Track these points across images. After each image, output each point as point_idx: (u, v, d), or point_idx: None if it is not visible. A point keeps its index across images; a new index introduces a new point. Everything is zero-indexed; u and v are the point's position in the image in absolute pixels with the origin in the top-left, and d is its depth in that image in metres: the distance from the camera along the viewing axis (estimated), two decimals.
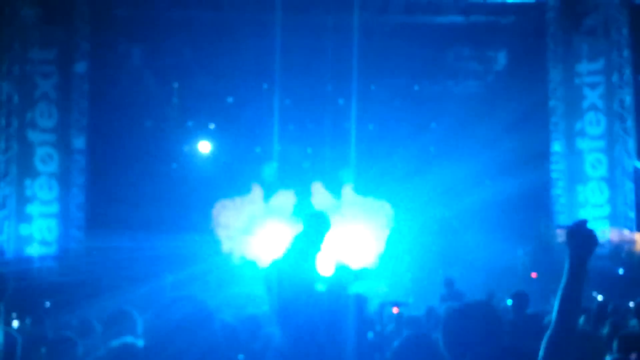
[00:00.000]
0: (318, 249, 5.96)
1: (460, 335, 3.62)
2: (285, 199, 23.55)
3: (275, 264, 5.69)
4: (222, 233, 23.34)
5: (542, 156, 21.50)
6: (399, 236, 23.04)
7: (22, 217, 20.27)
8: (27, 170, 20.36)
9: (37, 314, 13.42)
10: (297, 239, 4.97)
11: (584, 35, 20.91)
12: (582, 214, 20.79)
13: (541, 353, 3.31)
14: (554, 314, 3.37)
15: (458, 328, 3.66)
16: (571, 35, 21.04)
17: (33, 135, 20.47)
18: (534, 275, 21.42)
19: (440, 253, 22.34)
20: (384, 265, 22.45)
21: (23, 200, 20.30)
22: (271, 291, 4.29)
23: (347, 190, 23.55)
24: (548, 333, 3.33)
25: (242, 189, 23.55)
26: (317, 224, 6.28)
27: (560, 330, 3.32)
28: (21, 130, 20.37)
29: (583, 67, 21.01)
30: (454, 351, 3.59)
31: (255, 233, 23.17)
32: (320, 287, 5.73)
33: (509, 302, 10.93)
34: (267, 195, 23.57)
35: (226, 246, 23.23)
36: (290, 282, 5.32)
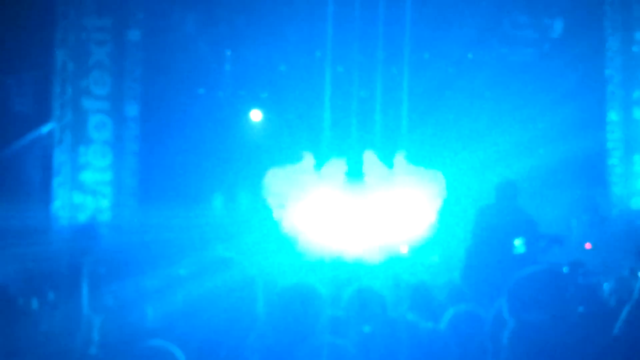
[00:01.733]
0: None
1: (525, 301, 3.62)
2: (337, 167, 23.54)
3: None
4: (273, 202, 23.43)
5: (598, 125, 21.23)
6: (451, 206, 22.92)
7: (76, 184, 20.51)
8: (81, 137, 20.57)
9: (93, 281, 13.67)
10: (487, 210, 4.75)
11: None
12: (639, 184, 20.56)
13: (621, 321, 3.37)
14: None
15: (524, 293, 3.66)
16: (629, 2, 20.68)
17: (87, 103, 20.65)
18: (588, 246, 21.21)
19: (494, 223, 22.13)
20: (436, 236, 22.38)
21: (77, 167, 20.53)
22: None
23: (400, 159, 23.45)
24: (632, 302, 3.38)
25: (293, 158, 23.59)
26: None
27: None
28: (75, 97, 20.55)
29: None
30: (519, 317, 3.60)
31: (307, 201, 23.22)
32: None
33: (565, 269, 10.79)
34: (319, 164, 23.58)
35: (277, 215, 23.32)
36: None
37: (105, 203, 20.69)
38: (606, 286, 11.22)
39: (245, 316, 3.01)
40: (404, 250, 21.99)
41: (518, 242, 9.41)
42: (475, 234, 8.48)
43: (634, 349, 3.18)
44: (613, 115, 21.04)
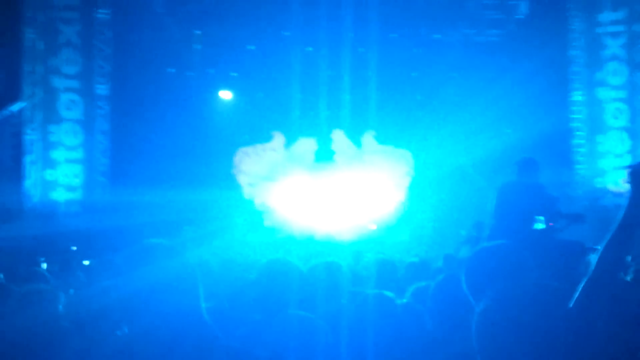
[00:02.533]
0: None
1: (481, 274, 3.61)
2: (306, 146, 23.74)
3: None
4: (243, 180, 23.60)
5: (563, 106, 21.48)
6: (419, 185, 23.22)
7: (48, 163, 20.56)
8: (51, 116, 20.61)
9: (64, 258, 13.78)
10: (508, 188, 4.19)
11: None
12: (603, 164, 20.86)
13: (576, 297, 3.24)
14: (597, 258, 3.26)
15: (480, 267, 3.65)
16: None
17: (57, 82, 20.66)
18: (551, 224, 21.54)
19: (460, 202, 22.48)
20: (404, 215, 22.69)
21: (48, 145, 20.57)
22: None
23: (368, 139, 23.69)
24: (588, 277, 3.24)
25: (263, 137, 23.74)
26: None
27: (604, 275, 3.22)
28: (45, 76, 20.57)
29: (605, 16, 20.85)
30: (475, 290, 3.59)
31: (277, 180, 23.41)
32: None
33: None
34: (288, 143, 23.76)
35: (247, 193, 23.50)
36: None
37: (76, 181, 20.74)
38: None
39: (185, 307, 3.06)
40: (373, 228, 22.28)
41: (539, 219, 9.57)
42: (497, 211, 8.58)
43: (587, 325, 3.20)
44: (577, 96, 21.30)
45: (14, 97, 20.60)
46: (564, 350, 3.21)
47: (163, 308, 3.11)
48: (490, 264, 3.63)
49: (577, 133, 21.32)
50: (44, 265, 13.08)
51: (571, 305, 3.24)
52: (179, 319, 3.13)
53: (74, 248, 17.94)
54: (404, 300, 5.42)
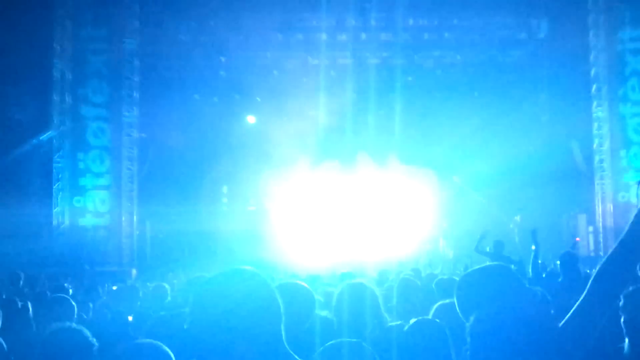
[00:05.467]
0: None
1: (470, 297, 3.60)
2: (331, 168, 23.87)
3: None
4: (269, 203, 23.78)
5: (585, 122, 21.54)
6: (442, 203, 23.26)
7: (76, 190, 20.87)
8: (80, 144, 20.95)
9: (90, 282, 14.02)
10: None
11: (626, 2, 20.85)
12: (626, 178, 20.86)
13: (568, 316, 3.17)
14: (593, 275, 3.16)
15: (468, 289, 3.66)
16: (613, 2, 20.99)
17: (85, 110, 21.03)
18: (578, 239, 21.57)
19: (484, 220, 22.51)
20: (427, 233, 22.73)
21: (77, 173, 20.89)
22: None
23: (392, 159, 23.79)
24: (582, 299, 3.15)
25: (289, 160, 23.90)
26: None
27: (600, 292, 3.13)
28: (74, 105, 20.93)
29: (626, 33, 20.94)
30: (465, 310, 3.57)
31: (302, 202, 23.56)
32: None
33: (558, 263, 10.97)
34: (314, 165, 23.90)
35: (274, 215, 23.66)
36: None
37: (103, 207, 21.04)
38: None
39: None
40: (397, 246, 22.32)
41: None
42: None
43: (575, 346, 3.14)
44: (599, 112, 21.36)
45: (43, 126, 21.01)
46: None
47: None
48: (479, 285, 3.63)
49: (600, 149, 21.34)
50: (70, 291, 13.32)
51: (562, 324, 3.21)
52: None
53: (87, 267, 18.18)
54: (428, 318, 5.37)
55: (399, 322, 5.37)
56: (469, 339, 3.32)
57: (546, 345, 3.16)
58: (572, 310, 3.20)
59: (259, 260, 19.50)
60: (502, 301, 3.48)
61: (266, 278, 3.05)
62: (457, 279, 9.75)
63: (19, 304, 8.16)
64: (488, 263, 4.06)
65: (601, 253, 20.49)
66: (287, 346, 3.07)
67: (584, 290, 3.21)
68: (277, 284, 5.48)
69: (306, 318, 4.81)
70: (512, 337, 3.18)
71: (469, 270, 3.93)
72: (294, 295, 4.75)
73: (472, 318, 3.34)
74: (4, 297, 9.37)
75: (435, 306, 5.77)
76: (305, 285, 5.04)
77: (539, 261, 11.42)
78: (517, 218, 23.02)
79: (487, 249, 12.90)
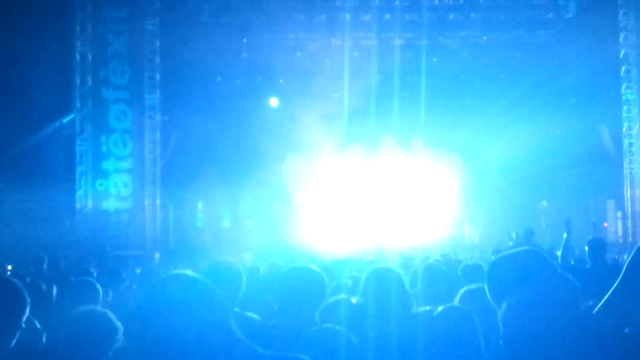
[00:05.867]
0: None
1: (501, 282, 3.50)
2: (355, 151, 23.72)
3: None
4: (293, 186, 23.67)
5: (614, 105, 21.21)
6: (469, 188, 23.07)
7: (98, 173, 20.78)
8: (102, 127, 20.82)
9: (113, 265, 13.94)
10: None
11: None
12: None
13: (602, 302, 3.14)
14: (627, 262, 3.15)
15: (499, 275, 3.55)
16: None
17: (107, 93, 20.88)
18: (606, 225, 21.33)
19: (512, 205, 22.31)
20: (454, 218, 22.57)
21: (99, 156, 20.79)
22: None
23: (417, 143, 23.61)
24: (617, 283, 3.13)
25: (312, 143, 23.77)
26: None
27: (634, 279, 3.10)
28: (95, 88, 20.80)
29: None
30: (496, 296, 3.48)
31: (326, 186, 23.44)
32: None
33: (586, 249, 10.83)
34: (337, 148, 23.77)
35: (297, 199, 23.56)
36: None
37: (126, 191, 20.95)
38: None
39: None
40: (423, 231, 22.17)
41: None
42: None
43: (610, 331, 3.07)
44: (629, 94, 21.01)
45: (65, 109, 20.92)
46: (587, 354, 3.09)
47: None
48: (511, 270, 3.53)
49: (629, 132, 21.00)
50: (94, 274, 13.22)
51: (596, 310, 3.15)
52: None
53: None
54: (456, 304, 5.35)
55: (427, 308, 5.25)
56: (501, 325, 3.27)
57: (580, 331, 3.12)
58: (606, 297, 3.15)
59: (282, 246, 19.47)
60: (535, 286, 3.38)
61: (205, 281, 3.05)
62: (484, 264, 9.61)
63: (44, 287, 8.07)
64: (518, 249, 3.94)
65: (629, 239, 20.23)
66: (241, 336, 3.05)
67: (611, 277, 3.21)
68: (287, 269, 5.47)
69: (317, 301, 4.83)
70: (546, 323, 3.15)
71: (500, 255, 3.77)
72: (303, 280, 4.84)
73: (504, 304, 3.30)
74: (28, 280, 9.29)
75: (461, 292, 5.73)
76: (316, 269, 5.05)
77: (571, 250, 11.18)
78: (544, 203, 22.78)
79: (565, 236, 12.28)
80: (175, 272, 3.25)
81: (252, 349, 3.06)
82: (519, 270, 3.52)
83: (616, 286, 3.14)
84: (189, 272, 3.12)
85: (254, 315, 5.02)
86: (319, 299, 4.87)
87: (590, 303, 3.36)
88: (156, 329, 2.91)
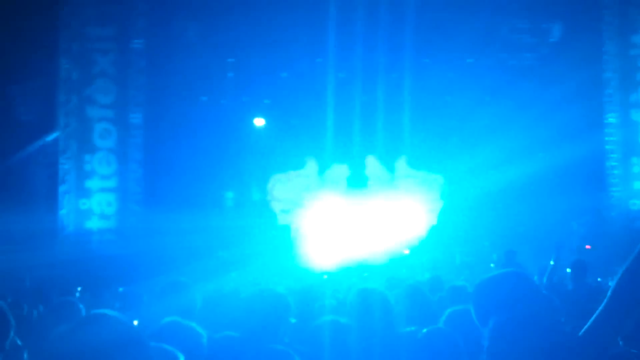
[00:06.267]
0: None
1: (487, 304, 3.53)
2: (340, 172, 23.76)
3: None
4: (277, 207, 23.66)
5: (597, 128, 21.36)
6: (451, 209, 23.11)
7: (82, 192, 20.72)
8: (86, 145, 20.80)
9: (95, 287, 13.88)
10: None
11: None
12: (638, 185, 20.69)
13: (588, 325, 3.14)
14: (613, 284, 3.14)
15: (485, 296, 3.59)
16: (627, 6, 20.81)
17: (91, 111, 20.87)
18: (588, 247, 21.35)
19: (493, 226, 22.33)
20: (436, 239, 22.56)
21: (82, 175, 20.75)
22: None
23: (401, 163, 23.68)
24: (603, 306, 3.13)
25: (296, 163, 23.81)
26: None
27: (619, 302, 3.10)
28: (80, 106, 20.78)
29: (639, 38, 20.75)
30: (481, 317, 3.51)
31: (311, 206, 23.44)
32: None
33: (568, 270, 10.86)
34: (322, 169, 23.80)
35: (281, 220, 23.55)
36: None
37: (110, 210, 20.89)
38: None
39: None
40: (406, 252, 22.16)
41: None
42: None
43: (595, 355, 3.11)
44: (611, 118, 21.18)
45: (49, 127, 20.87)
46: None
47: None
48: (499, 289, 3.57)
49: (612, 155, 21.14)
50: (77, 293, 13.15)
51: (583, 332, 3.14)
52: None
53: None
54: (439, 326, 5.33)
55: (412, 329, 5.30)
56: (486, 344, 3.28)
57: (566, 353, 3.13)
58: (592, 319, 3.15)
59: (272, 267, 19.46)
60: (521, 307, 3.42)
61: (124, 319, 3.01)
62: (465, 284, 9.61)
63: (25, 307, 8.03)
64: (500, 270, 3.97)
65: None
66: None
67: (594, 300, 3.25)
68: (247, 294, 5.54)
69: (279, 323, 4.95)
70: (532, 344, 3.15)
71: (485, 276, 3.80)
72: (264, 304, 4.95)
73: (491, 322, 3.32)
74: (9, 300, 9.24)
75: (446, 313, 5.76)
76: (278, 292, 5.20)
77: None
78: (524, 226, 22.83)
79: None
80: (94, 312, 3.24)
81: None
82: (504, 291, 3.54)
83: (602, 308, 3.13)
84: (108, 312, 3.11)
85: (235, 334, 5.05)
86: (282, 321, 4.96)
87: (573, 324, 3.39)
88: None
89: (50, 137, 20.95)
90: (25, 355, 5.05)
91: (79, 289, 13.93)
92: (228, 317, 7.27)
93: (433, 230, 22.80)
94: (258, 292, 5.28)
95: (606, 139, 21.19)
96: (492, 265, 17.66)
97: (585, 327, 3.17)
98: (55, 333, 4.96)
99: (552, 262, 10.32)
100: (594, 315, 3.16)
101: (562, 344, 3.16)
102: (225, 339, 4.86)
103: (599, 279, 13.74)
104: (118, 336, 2.95)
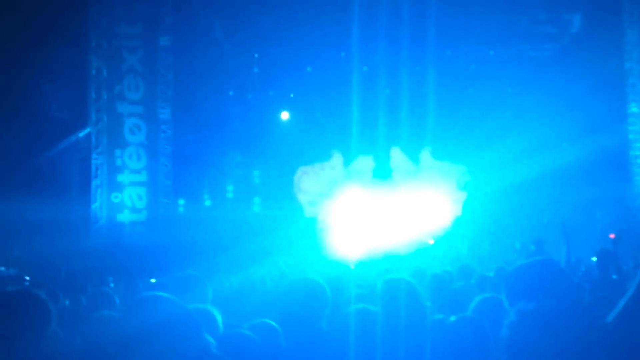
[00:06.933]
0: None
1: (521, 292, 3.64)
2: (365, 164, 23.97)
3: None
4: (303, 199, 23.93)
5: (620, 118, 21.37)
6: (476, 200, 23.26)
7: (113, 186, 21.08)
8: (116, 140, 21.13)
9: (128, 277, 14.21)
10: None
11: None
12: None
13: (615, 312, 3.21)
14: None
15: (518, 284, 3.72)
16: None
17: (121, 107, 21.19)
18: (612, 236, 21.40)
19: (518, 216, 22.47)
20: (461, 229, 22.73)
21: (114, 169, 21.09)
22: None
23: (425, 155, 23.85)
24: (632, 291, 3.19)
25: (322, 156, 24.04)
26: None
27: None
28: (110, 102, 21.10)
29: None
30: (512, 296, 3.66)
31: (336, 198, 23.66)
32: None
33: (594, 259, 10.82)
34: (347, 161, 24.02)
35: (308, 211, 23.80)
36: None
37: (140, 203, 21.25)
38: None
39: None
40: (431, 243, 22.34)
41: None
42: None
43: (625, 340, 3.17)
44: (634, 108, 21.15)
45: (81, 123, 21.25)
46: None
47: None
48: (531, 276, 3.71)
49: (635, 145, 21.18)
50: (111, 284, 13.49)
51: (612, 318, 3.25)
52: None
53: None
54: (467, 314, 5.39)
55: (440, 317, 5.42)
56: (507, 330, 3.41)
57: (595, 339, 3.20)
58: (621, 304, 3.26)
59: (300, 256, 19.71)
60: (554, 294, 3.57)
61: (177, 301, 3.23)
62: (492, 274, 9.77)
63: (61, 298, 8.33)
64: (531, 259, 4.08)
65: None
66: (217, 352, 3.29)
67: (620, 288, 3.23)
68: (287, 282, 5.67)
69: (320, 312, 4.99)
70: (559, 330, 3.24)
71: (518, 264, 3.98)
72: (305, 292, 5.02)
73: (513, 311, 3.44)
74: (46, 291, 9.59)
75: (475, 300, 5.82)
76: (319, 281, 5.19)
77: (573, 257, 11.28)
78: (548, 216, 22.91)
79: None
80: (148, 293, 3.49)
81: None
82: (537, 278, 3.72)
83: (632, 293, 3.26)
84: (162, 294, 3.35)
85: (272, 323, 5.17)
86: (322, 309, 5.04)
87: (600, 313, 3.51)
88: (135, 347, 3.14)
89: (83, 133, 21.32)
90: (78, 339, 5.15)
91: (111, 278, 14.33)
92: (254, 306, 7.52)
93: (457, 221, 22.98)
94: (299, 280, 5.38)
95: (629, 128, 21.20)
96: (515, 254, 17.80)
97: (614, 312, 3.27)
98: (105, 315, 5.24)
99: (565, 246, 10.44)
100: (622, 301, 3.26)
101: (593, 330, 3.23)
102: (262, 326, 5.02)
103: (624, 268, 13.90)
104: (172, 316, 3.21)
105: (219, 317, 4.84)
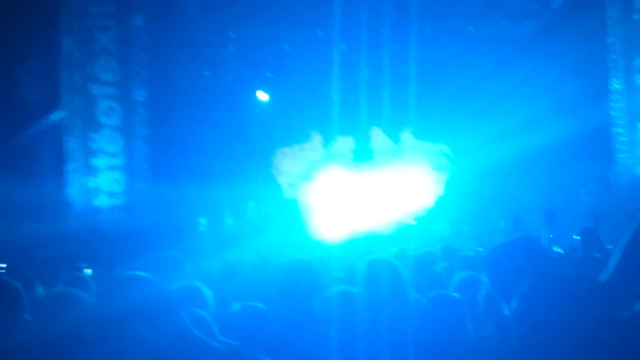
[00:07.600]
0: None
1: (502, 271, 3.55)
2: (345, 144, 23.78)
3: None
4: (283, 180, 23.71)
5: (602, 94, 21.23)
6: (458, 180, 23.14)
7: (89, 170, 20.72)
8: (91, 123, 20.73)
9: (107, 262, 13.93)
10: None
11: None
12: None
13: (609, 271, 3.18)
14: (620, 246, 3.21)
15: (499, 263, 3.60)
16: None
17: (95, 89, 20.78)
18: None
19: (500, 196, 22.36)
20: (443, 209, 22.62)
21: (89, 153, 20.72)
22: None
23: (406, 135, 23.68)
24: (622, 253, 3.18)
25: (301, 137, 23.82)
26: None
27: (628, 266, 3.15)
28: (84, 84, 20.69)
29: None
30: (501, 288, 3.53)
31: (316, 179, 23.48)
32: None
33: (577, 238, 10.79)
34: (327, 142, 23.82)
35: (287, 193, 23.60)
36: None
37: (117, 187, 20.91)
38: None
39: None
40: (413, 223, 22.24)
41: None
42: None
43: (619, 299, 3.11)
44: (616, 84, 21.00)
45: (53, 105, 20.84)
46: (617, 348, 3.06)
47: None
48: (513, 259, 3.57)
49: (617, 122, 21.03)
50: (89, 271, 13.22)
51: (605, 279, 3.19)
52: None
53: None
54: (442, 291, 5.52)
55: (417, 296, 5.49)
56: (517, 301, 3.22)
57: (594, 301, 3.11)
58: (613, 264, 3.20)
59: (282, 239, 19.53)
60: (533, 271, 3.41)
61: (156, 280, 3.18)
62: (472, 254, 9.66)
63: (36, 284, 8.10)
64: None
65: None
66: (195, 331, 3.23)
67: (604, 267, 3.26)
68: (279, 263, 5.64)
69: (313, 291, 5.13)
70: (561, 300, 3.12)
71: (497, 242, 3.82)
72: (296, 273, 5.17)
73: (517, 295, 3.24)
74: (20, 278, 9.30)
75: (455, 279, 5.87)
76: (307, 261, 5.38)
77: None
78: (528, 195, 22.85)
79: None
80: (126, 273, 3.38)
81: (208, 343, 3.14)
82: (518, 256, 3.58)
83: (622, 253, 3.19)
84: (140, 273, 3.25)
85: (260, 305, 5.19)
86: (314, 288, 5.15)
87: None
88: (112, 328, 3.04)
89: (56, 116, 20.92)
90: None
91: (85, 265, 14.02)
92: (238, 288, 7.38)
93: (440, 201, 22.85)
94: (290, 261, 5.37)
95: (611, 105, 21.04)
96: (498, 233, 17.68)
97: (608, 272, 3.21)
98: (89, 294, 5.06)
99: (551, 236, 10.28)
100: (614, 260, 3.21)
101: (589, 292, 3.15)
102: (251, 308, 4.98)
103: (608, 246, 13.76)
104: (151, 296, 3.13)
105: (209, 294, 4.94)
